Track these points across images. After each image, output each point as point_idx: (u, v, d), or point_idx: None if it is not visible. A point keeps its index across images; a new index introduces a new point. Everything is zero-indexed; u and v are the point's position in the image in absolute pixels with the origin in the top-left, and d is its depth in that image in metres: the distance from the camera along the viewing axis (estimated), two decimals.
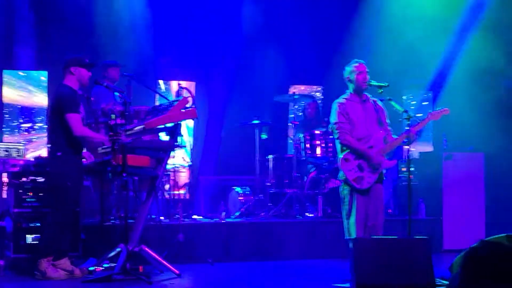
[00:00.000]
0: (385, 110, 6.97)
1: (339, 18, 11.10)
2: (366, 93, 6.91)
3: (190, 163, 10.31)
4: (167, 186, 9.11)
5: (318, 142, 9.46)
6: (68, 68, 6.82)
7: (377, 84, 6.74)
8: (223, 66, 10.66)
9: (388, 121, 6.96)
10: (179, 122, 7.15)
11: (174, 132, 7.17)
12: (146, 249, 7.00)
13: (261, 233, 8.67)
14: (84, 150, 7.10)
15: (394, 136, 6.84)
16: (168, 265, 7.03)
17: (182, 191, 9.67)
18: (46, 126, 8.82)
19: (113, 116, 6.46)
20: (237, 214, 9.34)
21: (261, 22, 10.81)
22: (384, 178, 6.89)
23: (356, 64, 6.86)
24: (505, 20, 11.03)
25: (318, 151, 9.46)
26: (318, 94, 11.53)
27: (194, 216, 9.16)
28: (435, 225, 9.43)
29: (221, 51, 10.68)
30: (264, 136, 9.85)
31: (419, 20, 11.50)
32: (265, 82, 10.82)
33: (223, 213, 8.93)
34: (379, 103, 6.96)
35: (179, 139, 7.37)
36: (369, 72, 6.86)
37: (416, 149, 11.05)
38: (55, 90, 7.06)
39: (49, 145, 7.00)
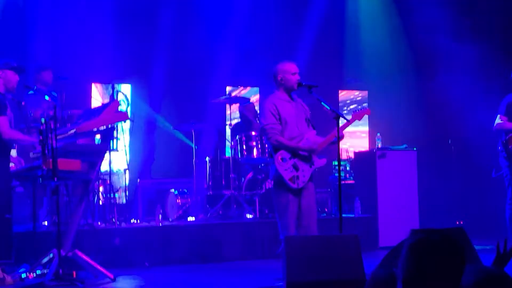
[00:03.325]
0: (310, 111, 7.02)
1: (275, 18, 11.16)
2: (294, 93, 6.94)
3: (126, 167, 10.24)
4: (102, 190, 9.04)
5: (254, 143, 9.50)
6: None
7: (307, 84, 6.78)
8: (159, 68, 10.61)
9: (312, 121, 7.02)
10: (112, 125, 7.11)
11: (107, 135, 7.13)
12: (80, 254, 6.94)
13: (199, 235, 8.66)
14: (15, 155, 7.00)
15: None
16: (103, 270, 6.98)
17: (118, 195, 9.59)
18: None
19: (42, 120, 6.39)
20: (174, 217, 9.33)
21: (197, 23, 10.80)
22: (316, 177, 6.95)
23: (289, 65, 6.88)
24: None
25: (255, 152, 9.50)
26: (254, 96, 11.58)
27: (131, 220, 9.11)
28: (370, 223, 9.56)
29: (157, 53, 10.63)
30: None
31: (355, 20, 11.68)
32: (201, 84, 10.83)
33: (160, 216, 8.90)
34: (305, 103, 7.00)
35: (113, 142, 7.33)
36: (300, 72, 6.92)
37: (351, 148, 11.21)
38: None
39: None
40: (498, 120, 7.95)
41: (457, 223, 10.00)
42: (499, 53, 10.53)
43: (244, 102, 10.15)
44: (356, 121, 7.08)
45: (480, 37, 10.74)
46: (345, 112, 11.69)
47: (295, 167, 6.69)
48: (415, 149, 10.00)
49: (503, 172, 8.02)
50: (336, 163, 10.14)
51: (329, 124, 6.65)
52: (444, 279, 2.62)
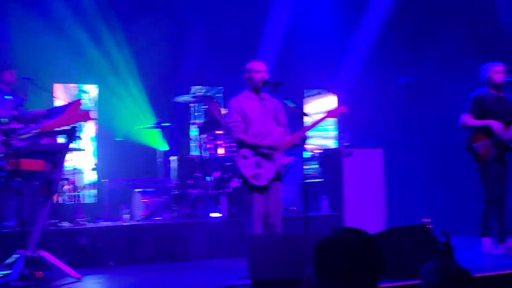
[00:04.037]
0: (283, 109, 7.05)
1: (239, 18, 11.16)
2: (264, 92, 6.98)
3: (93, 166, 10.18)
4: (67, 189, 8.97)
5: (220, 142, 9.51)
6: None
7: (273, 82, 6.81)
8: (125, 67, 10.55)
9: (285, 120, 7.04)
10: (75, 125, 7.06)
11: (71, 134, 7.07)
12: (45, 254, 6.88)
13: (166, 234, 8.63)
14: None
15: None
16: (69, 270, 6.93)
17: (84, 194, 9.53)
18: None
19: (5, 120, 6.33)
20: (141, 216, 9.29)
21: (162, 23, 10.76)
22: (284, 175, 6.97)
23: (255, 63, 6.93)
24: (404, 19, 11.36)
25: (221, 151, 9.50)
26: (218, 95, 11.57)
27: (98, 220, 9.05)
28: (337, 221, 9.58)
29: (121, 52, 10.57)
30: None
31: (321, 20, 11.71)
32: (166, 83, 10.79)
33: (127, 216, 8.86)
34: (278, 102, 7.03)
35: (77, 141, 7.27)
36: (268, 70, 6.94)
37: (318, 146, 11.25)
38: None
39: None
40: (464, 117, 8.03)
41: (423, 221, 10.07)
42: (466, 51, 10.61)
43: (209, 101, 10.14)
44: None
45: (447, 35, 10.83)
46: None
47: (258, 165, 6.70)
48: (381, 147, 10.07)
49: (471, 170, 8.10)
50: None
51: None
52: (353, 279, 2.56)
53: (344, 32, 11.70)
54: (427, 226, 6.65)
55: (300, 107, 6.79)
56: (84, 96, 7.77)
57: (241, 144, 6.76)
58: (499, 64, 8.07)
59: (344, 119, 11.08)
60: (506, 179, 8.01)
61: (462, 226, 9.69)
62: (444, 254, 3.53)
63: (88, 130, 10.31)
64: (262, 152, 6.72)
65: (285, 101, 6.78)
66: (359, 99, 11.15)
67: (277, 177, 6.80)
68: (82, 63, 10.26)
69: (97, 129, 10.59)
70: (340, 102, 10.99)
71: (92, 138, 10.64)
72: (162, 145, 9.80)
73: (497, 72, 8.00)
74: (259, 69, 6.88)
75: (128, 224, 8.77)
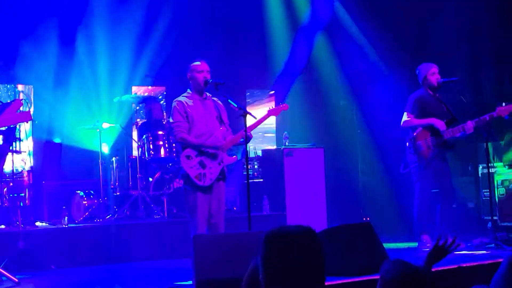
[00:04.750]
0: (225, 109, 7.08)
1: (181, 18, 11.11)
2: (206, 92, 6.98)
3: (30, 168, 9.99)
4: (5, 192, 8.80)
5: (161, 143, 9.46)
6: None
7: (214, 82, 6.83)
8: (62, 68, 10.38)
9: (227, 120, 7.06)
10: (13, 126, 6.92)
11: (8, 136, 6.93)
12: None
13: (106, 236, 8.53)
14: None
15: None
16: (6, 274, 6.78)
17: (22, 197, 9.35)
18: None
19: None
20: (81, 219, 9.16)
21: (102, 23, 10.63)
22: (227, 175, 6.97)
23: (198, 63, 6.94)
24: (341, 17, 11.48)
25: (162, 152, 9.45)
26: (160, 96, 11.49)
27: (36, 223, 8.89)
28: (279, 221, 9.60)
29: (59, 52, 10.40)
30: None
31: (267, 20, 11.74)
32: (107, 83, 10.66)
33: (66, 218, 8.73)
34: (220, 102, 7.05)
35: (15, 143, 7.13)
36: (210, 71, 6.95)
37: (259, 146, 11.28)
38: None
39: None
40: (405, 117, 8.15)
41: (364, 219, 10.20)
42: (407, 52, 10.76)
43: (150, 101, 10.08)
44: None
45: (387, 36, 10.97)
46: None
47: (202, 165, 6.70)
48: (322, 146, 10.15)
49: (411, 169, 8.23)
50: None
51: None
52: (302, 273, 2.63)
53: (286, 31, 11.76)
54: (370, 224, 6.74)
55: (242, 107, 6.80)
56: (21, 96, 7.61)
57: (185, 144, 6.76)
58: (434, 65, 8.23)
59: (285, 118, 11.12)
60: (447, 176, 8.16)
61: (401, 224, 9.87)
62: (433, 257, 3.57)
63: (26, 131, 10.11)
64: (206, 152, 6.72)
65: (228, 101, 6.80)
66: (299, 98, 11.21)
67: (221, 177, 6.81)
68: (16, 63, 10.05)
69: (35, 130, 10.39)
70: (280, 101, 11.02)
71: (24, 137, 10.41)
72: (102, 146, 9.67)
73: (432, 74, 8.17)
74: (201, 69, 6.90)
75: (68, 226, 8.64)
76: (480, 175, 10.03)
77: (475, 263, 6.33)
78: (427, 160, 8.02)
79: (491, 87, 10.55)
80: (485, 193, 9.71)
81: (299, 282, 2.63)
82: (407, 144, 8.16)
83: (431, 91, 8.20)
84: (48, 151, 10.32)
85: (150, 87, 11.20)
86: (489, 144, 8.12)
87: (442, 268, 6.13)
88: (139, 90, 11.10)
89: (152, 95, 10.96)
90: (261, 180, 10.57)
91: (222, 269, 5.66)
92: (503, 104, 7.92)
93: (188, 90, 6.97)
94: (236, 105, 6.78)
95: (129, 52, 10.64)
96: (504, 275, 3.02)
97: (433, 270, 3.39)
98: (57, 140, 10.08)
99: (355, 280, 5.86)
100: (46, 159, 10.33)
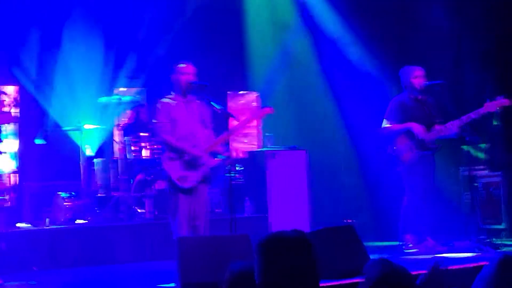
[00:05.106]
0: (210, 112, 7.05)
1: (162, 19, 11.08)
2: (192, 94, 6.97)
3: (13, 169, 9.94)
4: None
5: (144, 144, 9.45)
6: None
7: (197, 84, 6.83)
8: (45, 68, 10.33)
9: (211, 122, 7.05)
10: None
11: None
12: None
13: (88, 238, 8.51)
14: None
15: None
16: None
17: (5, 198, 9.30)
18: None
19: None
20: (62, 220, 9.12)
21: (84, 23, 10.59)
22: (211, 177, 6.97)
23: (183, 65, 6.94)
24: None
25: (144, 153, 9.43)
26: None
27: (18, 224, 8.85)
28: (261, 223, 9.60)
29: (42, 52, 10.35)
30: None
31: (250, 21, 11.73)
32: (89, 85, 10.60)
33: (47, 220, 8.69)
34: (205, 104, 7.02)
35: None
36: (195, 73, 6.94)
37: (242, 148, 11.26)
38: None
39: None
40: (384, 123, 8.17)
41: (345, 221, 10.21)
42: (390, 54, 10.78)
43: (135, 103, 10.05)
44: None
45: (370, 41, 10.99)
46: None
47: (185, 167, 6.70)
48: (304, 149, 10.16)
49: (397, 174, 8.26)
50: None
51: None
52: (293, 276, 2.65)
53: (268, 31, 11.76)
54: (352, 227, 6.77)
55: (226, 109, 6.81)
56: (4, 97, 7.56)
57: (166, 146, 6.75)
58: (419, 68, 8.23)
59: (267, 120, 11.13)
60: (432, 178, 8.19)
61: (384, 225, 9.90)
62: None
63: (9, 131, 10.05)
64: (188, 155, 6.71)
65: (211, 103, 6.80)
66: (283, 100, 11.21)
67: (204, 180, 6.80)
68: (2, 64, 10.00)
69: (18, 131, 10.32)
70: (263, 103, 11.03)
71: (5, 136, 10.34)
72: (85, 147, 9.63)
73: (416, 77, 8.15)
74: (186, 71, 6.90)
75: (51, 227, 8.60)
76: (461, 177, 10.08)
77: (457, 266, 6.35)
78: (410, 163, 8.06)
79: (474, 91, 10.60)
80: (466, 196, 9.76)
81: (296, 286, 2.67)
82: (389, 150, 8.18)
83: (415, 94, 8.19)
84: (31, 152, 10.26)
85: (133, 89, 11.14)
86: (471, 147, 8.16)
87: (424, 271, 6.17)
88: (121, 92, 11.04)
89: (134, 95, 10.91)
90: (244, 182, 10.55)
91: (207, 271, 5.67)
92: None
93: (172, 92, 6.96)
94: (219, 107, 6.79)
95: (111, 55, 10.60)
96: (492, 277, 3.04)
97: (414, 273, 3.42)
98: (39, 141, 10.02)
99: (337, 283, 5.88)
100: (28, 160, 10.27)
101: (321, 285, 5.65)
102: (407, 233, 8.09)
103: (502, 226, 9.39)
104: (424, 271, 5.20)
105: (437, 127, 8.00)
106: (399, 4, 11.16)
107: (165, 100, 6.89)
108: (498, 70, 9.78)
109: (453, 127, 7.91)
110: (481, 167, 9.75)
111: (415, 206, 8.08)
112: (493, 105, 7.88)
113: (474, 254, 7.55)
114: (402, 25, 11.23)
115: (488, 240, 8.00)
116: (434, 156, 8.20)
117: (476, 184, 9.44)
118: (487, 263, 3.23)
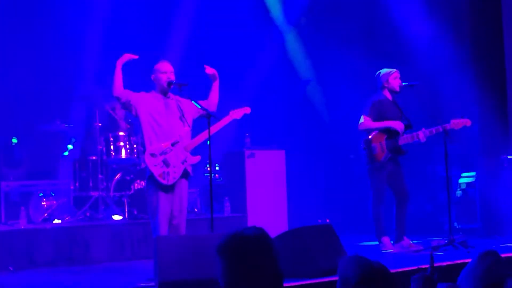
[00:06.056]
0: (190, 110, 7.06)
1: (146, 19, 11.07)
2: (171, 93, 6.97)
3: None
4: None
5: (122, 143, 9.42)
6: None
7: (177, 83, 6.84)
8: (24, 67, 10.27)
9: (191, 121, 7.06)
10: None
11: None
12: None
13: (66, 237, 8.46)
14: None
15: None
16: None
17: None
18: None
19: None
20: (39, 220, 9.07)
21: (67, 23, 10.55)
22: (191, 175, 6.97)
23: (161, 64, 6.93)
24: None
25: (123, 153, 9.41)
26: None
27: None
28: (240, 222, 9.63)
29: (20, 50, 10.30)
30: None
31: (230, 20, 11.74)
32: (68, 83, 10.56)
33: (25, 219, 8.64)
34: (186, 102, 7.03)
35: None
36: (174, 71, 6.95)
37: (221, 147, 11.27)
38: None
39: None
40: (362, 120, 8.23)
41: (319, 221, 10.27)
42: (364, 56, 10.85)
43: (112, 102, 10.00)
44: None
45: (347, 40, 11.06)
46: None
47: (166, 163, 6.69)
48: (283, 148, 10.21)
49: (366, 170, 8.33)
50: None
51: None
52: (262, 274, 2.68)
53: (252, 33, 11.79)
54: (331, 226, 6.81)
55: (206, 108, 6.82)
56: None
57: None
58: (396, 70, 8.34)
59: (247, 120, 11.15)
60: (401, 179, 8.26)
61: (360, 227, 9.97)
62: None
63: None
64: (170, 151, 6.72)
65: (192, 102, 6.82)
66: (261, 100, 11.24)
67: (184, 176, 6.81)
68: None
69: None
70: (243, 102, 11.06)
71: None
72: (63, 146, 9.59)
73: (394, 78, 8.26)
74: (163, 69, 6.90)
75: (27, 227, 8.55)
76: (437, 177, 10.17)
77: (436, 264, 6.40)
78: (381, 163, 8.14)
79: (450, 93, 10.68)
80: (442, 196, 9.85)
81: (260, 284, 2.68)
82: (363, 147, 8.25)
83: (391, 95, 8.29)
84: (7, 151, 10.20)
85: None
86: (446, 147, 8.23)
87: (401, 269, 6.24)
88: (99, 90, 10.99)
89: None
90: (222, 181, 10.57)
91: (184, 270, 5.68)
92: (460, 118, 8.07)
93: (153, 91, 6.96)
94: (199, 106, 6.81)
95: (90, 53, 10.56)
96: (473, 270, 3.08)
97: (392, 271, 3.43)
98: (14, 140, 9.96)
99: (316, 282, 5.92)
100: (4, 160, 10.20)
101: (298, 283, 5.74)
102: (382, 235, 8.16)
103: (477, 226, 9.51)
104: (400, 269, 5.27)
105: (408, 135, 8.11)
106: (376, 5, 11.25)
107: (146, 94, 6.91)
108: (474, 72, 9.85)
109: (422, 136, 8.02)
110: (457, 167, 9.85)
111: (386, 207, 8.18)
112: (458, 124, 8.02)
113: (449, 253, 7.62)
114: (376, 28, 11.34)
115: (463, 239, 8.06)
116: (400, 157, 8.31)
117: (451, 184, 9.53)
118: (463, 261, 3.28)
